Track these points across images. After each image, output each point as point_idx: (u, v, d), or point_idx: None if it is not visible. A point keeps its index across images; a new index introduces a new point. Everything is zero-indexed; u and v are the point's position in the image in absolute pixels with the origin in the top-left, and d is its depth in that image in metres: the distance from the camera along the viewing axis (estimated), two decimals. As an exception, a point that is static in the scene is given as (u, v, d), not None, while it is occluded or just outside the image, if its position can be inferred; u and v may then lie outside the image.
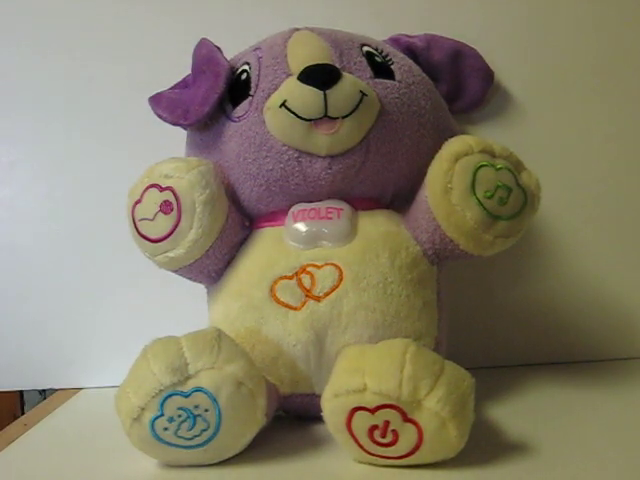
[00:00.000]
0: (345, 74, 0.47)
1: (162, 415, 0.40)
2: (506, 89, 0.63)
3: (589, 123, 0.63)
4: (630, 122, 0.63)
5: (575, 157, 0.63)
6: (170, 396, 0.40)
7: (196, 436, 0.41)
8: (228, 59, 0.52)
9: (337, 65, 0.48)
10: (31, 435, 0.53)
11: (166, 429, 0.40)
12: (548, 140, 0.63)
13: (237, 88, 0.51)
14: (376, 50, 0.52)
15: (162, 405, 0.40)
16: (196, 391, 0.40)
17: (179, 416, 0.40)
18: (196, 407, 0.40)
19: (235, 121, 0.50)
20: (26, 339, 0.66)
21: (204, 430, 0.41)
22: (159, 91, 0.55)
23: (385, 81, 0.50)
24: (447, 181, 0.45)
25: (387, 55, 0.53)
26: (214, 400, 0.40)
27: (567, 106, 0.63)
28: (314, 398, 0.44)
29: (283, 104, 0.47)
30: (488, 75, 0.61)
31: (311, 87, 0.46)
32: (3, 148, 0.66)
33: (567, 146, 0.63)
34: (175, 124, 0.53)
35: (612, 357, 0.63)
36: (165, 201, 0.47)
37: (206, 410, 0.40)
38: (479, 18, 0.63)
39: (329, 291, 0.46)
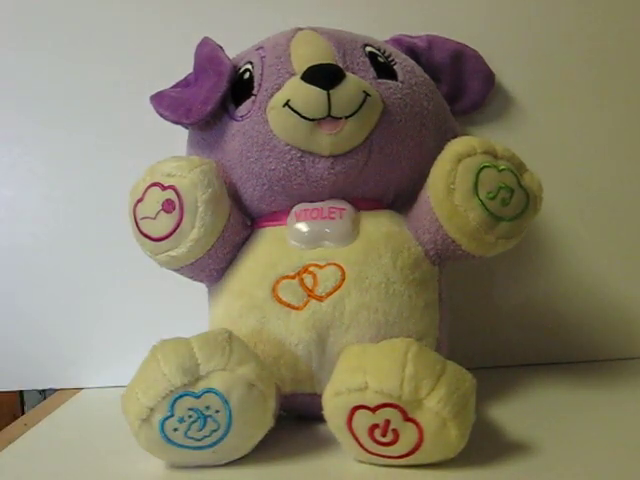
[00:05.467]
0: (349, 74, 0.48)
1: (172, 416, 0.40)
2: (507, 90, 0.63)
3: (590, 124, 0.63)
4: (631, 122, 0.63)
5: (576, 158, 0.63)
6: (181, 397, 0.40)
7: (206, 437, 0.41)
8: (230, 58, 0.52)
9: (340, 65, 0.49)
10: (31, 435, 0.53)
11: (176, 430, 0.40)
12: (549, 141, 0.63)
13: (240, 87, 0.51)
14: (379, 50, 0.53)
15: (172, 406, 0.40)
16: (207, 392, 0.40)
17: (189, 417, 0.40)
18: (207, 408, 0.40)
19: (238, 120, 0.50)
20: (26, 339, 0.66)
21: (214, 431, 0.41)
22: (161, 90, 0.55)
23: (388, 81, 0.50)
24: (450, 182, 0.45)
25: (390, 55, 0.53)
26: (225, 401, 0.40)
27: (568, 107, 0.63)
28: (315, 398, 0.44)
29: (286, 104, 0.47)
30: (489, 77, 0.61)
31: (315, 87, 0.46)
32: (3, 148, 0.66)
33: (568, 147, 0.63)
34: (177, 123, 0.53)
35: (612, 357, 0.63)
36: (167, 200, 0.47)
37: (217, 411, 0.40)
38: (481, 19, 0.63)
39: (331, 291, 0.46)
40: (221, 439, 0.41)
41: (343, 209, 0.49)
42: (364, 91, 0.47)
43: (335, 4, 0.63)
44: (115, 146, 0.65)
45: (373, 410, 0.39)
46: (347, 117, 0.47)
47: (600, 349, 0.63)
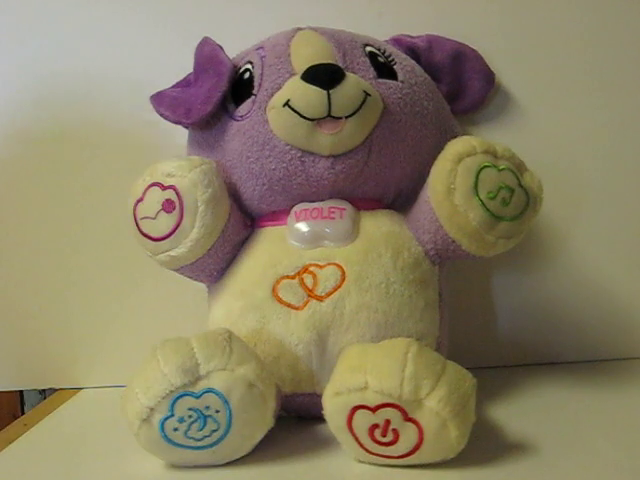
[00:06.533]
0: (349, 74, 0.48)
1: (172, 415, 0.40)
2: (507, 90, 0.63)
3: (590, 124, 0.63)
4: (630, 122, 0.63)
5: (576, 158, 0.63)
6: (181, 397, 0.40)
7: (206, 437, 0.41)
8: (230, 58, 0.52)
9: (340, 65, 0.49)
10: (31, 435, 0.53)
11: (176, 429, 0.40)
12: (549, 141, 0.63)
13: (240, 87, 0.51)
14: (379, 50, 0.53)
15: (172, 406, 0.40)
16: (207, 392, 0.40)
17: (189, 416, 0.40)
18: (207, 408, 0.40)
19: (238, 120, 0.50)
20: (26, 339, 0.66)
21: (214, 431, 0.41)
22: (161, 90, 0.55)
23: (388, 81, 0.50)
24: (450, 182, 0.45)
25: (390, 55, 0.53)
26: (225, 401, 0.40)
27: (568, 107, 0.63)
28: (315, 398, 0.44)
29: (286, 103, 0.47)
30: (489, 77, 0.61)
31: (315, 87, 0.46)
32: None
33: (568, 147, 0.63)
34: (177, 123, 0.53)
35: (612, 357, 0.63)
36: (167, 200, 0.47)
37: (217, 411, 0.40)
38: (481, 19, 0.63)
39: (331, 291, 0.46)
40: (221, 439, 0.41)
41: (343, 209, 0.49)
42: (364, 91, 0.47)
43: (335, 4, 0.63)
44: (115, 146, 0.65)
45: (373, 410, 0.39)
46: (347, 117, 0.47)
47: (600, 349, 0.63)
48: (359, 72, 0.49)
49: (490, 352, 0.63)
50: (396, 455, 0.40)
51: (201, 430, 0.40)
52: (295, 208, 0.50)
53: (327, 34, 0.51)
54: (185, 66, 0.56)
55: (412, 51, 0.57)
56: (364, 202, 0.50)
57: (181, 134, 0.55)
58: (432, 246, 0.49)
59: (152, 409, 0.40)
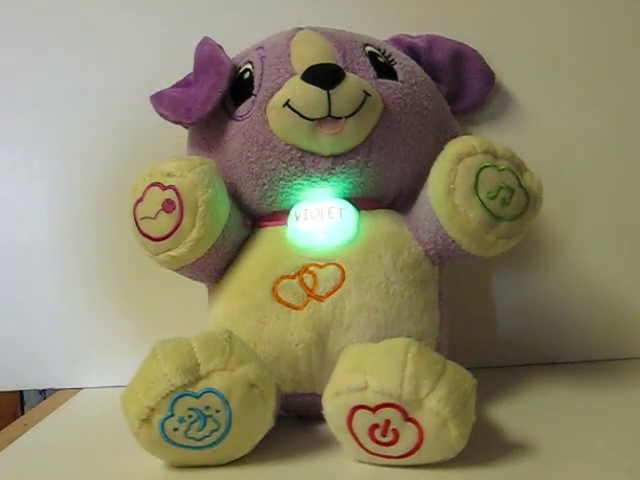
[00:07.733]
0: (349, 74, 0.48)
1: (172, 415, 0.40)
2: (507, 90, 0.63)
3: (590, 124, 0.63)
4: (630, 122, 0.63)
5: (576, 158, 0.63)
6: (181, 397, 0.40)
7: (206, 436, 0.41)
8: (230, 58, 0.52)
9: (340, 65, 0.49)
10: (31, 435, 0.53)
11: (176, 429, 0.40)
12: (549, 141, 0.63)
13: (240, 87, 0.51)
14: (379, 50, 0.53)
15: (172, 406, 0.40)
16: (207, 392, 0.40)
17: (190, 416, 0.40)
18: (207, 408, 0.40)
19: (238, 120, 0.50)
20: (26, 339, 0.66)
21: (214, 431, 0.41)
22: (161, 90, 0.55)
23: (388, 81, 0.51)
24: (450, 181, 0.45)
25: (390, 55, 0.53)
26: (225, 401, 0.40)
27: (567, 107, 0.63)
28: (315, 397, 0.44)
29: (287, 103, 0.47)
30: (489, 77, 0.61)
31: (315, 87, 0.46)
32: (3, 148, 0.66)
33: (568, 147, 0.63)
34: (177, 123, 0.53)
35: (612, 357, 0.63)
36: (167, 200, 0.47)
37: (217, 411, 0.40)
38: (481, 19, 0.63)
39: (331, 291, 0.46)
40: (221, 439, 0.41)
41: (343, 209, 0.49)
42: (364, 91, 0.47)
43: (335, 4, 0.63)
44: (115, 146, 0.65)
45: (373, 410, 0.39)
46: (347, 117, 0.47)
47: (600, 349, 0.63)
48: (359, 72, 0.49)
49: (490, 352, 0.64)
50: (396, 455, 0.40)
51: (201, 430, 0.40)
52: (295, 208, 0.50)
53: (327, 34, 0.51)
54: (185, 66, 0.56)
55: (412, 51, 0.57)
56: (364, 202, 0.50)
57: (181, 134, 0.55)
58: (432, 246, 0.49)
59: (152, 409, 0.40)
